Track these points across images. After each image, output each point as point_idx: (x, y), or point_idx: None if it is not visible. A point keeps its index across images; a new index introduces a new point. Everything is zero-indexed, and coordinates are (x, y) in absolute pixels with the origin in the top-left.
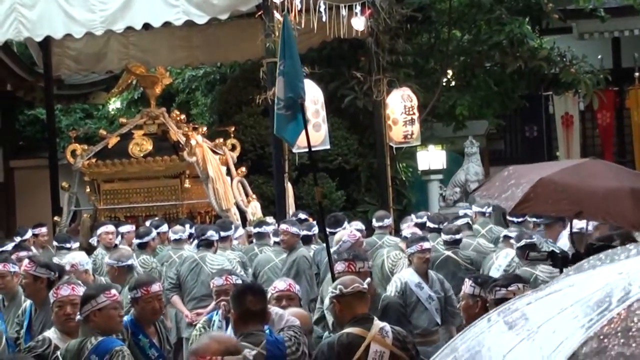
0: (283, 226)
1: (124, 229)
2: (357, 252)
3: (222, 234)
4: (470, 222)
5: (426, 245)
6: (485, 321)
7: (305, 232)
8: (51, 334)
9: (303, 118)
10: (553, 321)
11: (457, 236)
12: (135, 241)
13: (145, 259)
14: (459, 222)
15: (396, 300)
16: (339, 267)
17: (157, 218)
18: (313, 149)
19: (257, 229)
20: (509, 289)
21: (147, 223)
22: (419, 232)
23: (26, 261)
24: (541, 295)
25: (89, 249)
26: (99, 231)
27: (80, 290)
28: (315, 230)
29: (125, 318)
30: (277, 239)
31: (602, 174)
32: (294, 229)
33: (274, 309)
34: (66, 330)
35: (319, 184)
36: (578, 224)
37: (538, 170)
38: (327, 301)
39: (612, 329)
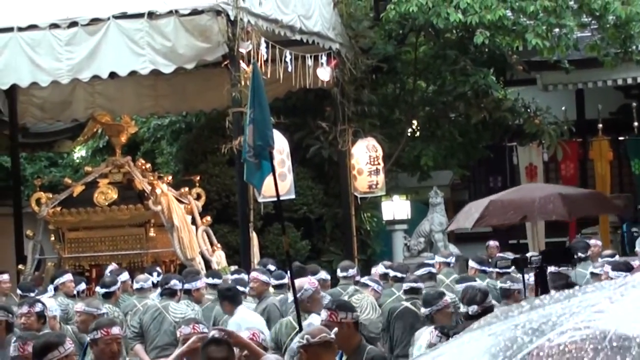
0: (253, 274)
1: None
2: (342, 302)
3: (212, 281)
4: (433, 272)
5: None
6: None
7: (281, 281)
8: None
9: (272, 166)
10: None
11: (416, 285)
12: (101, 291)
13: (108, 308)
14: (420, 272)
15: (382, 354)
16: (322, 315)
17: (112, 266)
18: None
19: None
20: None
21: (108, 272)
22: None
23: None
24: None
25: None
26: (61, 279)
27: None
28: (286, 279)
29: None
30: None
31: (536, 188)
32: (264, 277)
33: (269, 357)
34: None
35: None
36: None
37: (487, 198)
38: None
39: None
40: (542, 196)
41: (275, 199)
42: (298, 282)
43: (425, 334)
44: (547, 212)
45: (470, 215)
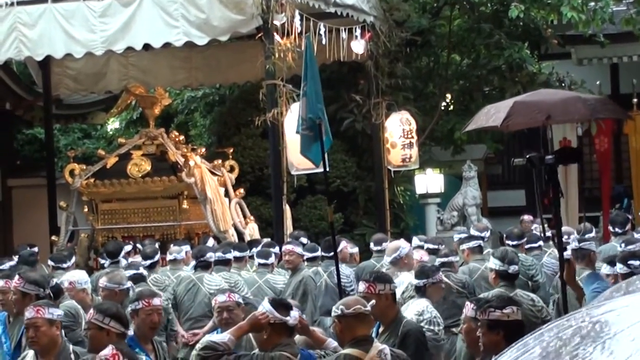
0: (289, 246)
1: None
2: (381, 273)
3: (238, 254)
4: (482, 245)
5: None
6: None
7: (316, 254)
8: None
9: (320, 139)
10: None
11: (450, 258)
12: (145, 262)
13: (156, 278)
14: (471, 244)
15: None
16: (360, 287)
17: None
18: (311, 171)
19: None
20: (504, 311)
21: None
22: (426, 257)
23: (16, 277)
24: (595, 314)
25: (87, 269)
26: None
27: (46, 312)
28: (319, 251)
29: None
30: (260, 261)
31: (556, 93)
32: (299, 250)
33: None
34: (34, 350)
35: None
36: None
37: (510, 100)
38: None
39: None
40: (564, 98)
41: (307, 171)
42: (393, 243)
43: (413, 306)
44: (570, 113)
45: (491, 115)
